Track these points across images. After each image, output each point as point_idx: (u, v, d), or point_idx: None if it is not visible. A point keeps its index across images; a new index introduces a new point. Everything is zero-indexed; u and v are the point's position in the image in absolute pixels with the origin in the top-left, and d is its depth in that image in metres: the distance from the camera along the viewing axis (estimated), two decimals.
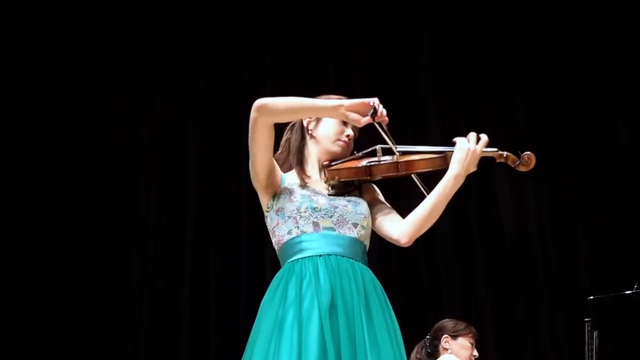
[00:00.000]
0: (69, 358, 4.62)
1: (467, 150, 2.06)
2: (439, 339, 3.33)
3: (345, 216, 2.01)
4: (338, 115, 2.02)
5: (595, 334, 3.18)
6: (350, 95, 2.09)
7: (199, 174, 5.00)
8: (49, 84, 5.01)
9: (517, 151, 2.16)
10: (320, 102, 2.03)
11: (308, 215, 2.00)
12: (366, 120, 1.98)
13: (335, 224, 1.99)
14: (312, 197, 2.03)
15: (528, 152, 2.15)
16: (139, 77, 5.09)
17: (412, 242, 2.07)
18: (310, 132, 2.16)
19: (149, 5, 5.20)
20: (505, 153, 2.14)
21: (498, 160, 2.14)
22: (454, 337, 3.31)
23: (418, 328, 4.56)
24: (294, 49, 4.98)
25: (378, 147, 2.11)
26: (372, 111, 1.97)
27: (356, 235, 2.01)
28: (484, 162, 2.14)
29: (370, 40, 5.02)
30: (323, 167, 2.12)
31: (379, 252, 4.72)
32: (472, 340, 3.33)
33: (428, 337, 3.40)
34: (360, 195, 2.13)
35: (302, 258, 1.96)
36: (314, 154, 2.15)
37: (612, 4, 4.78)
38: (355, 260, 1.98)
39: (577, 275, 4.50)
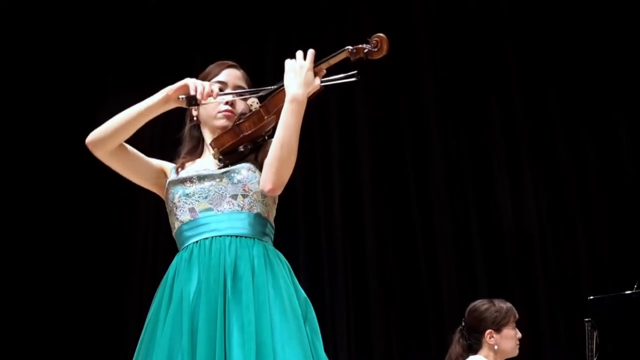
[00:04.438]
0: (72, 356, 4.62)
1: (294, 68, 1.94)
2: (481, 333, 3.11)
3: (221, 192, 1.94)
4: (169, 104, 1.98)
5: (595, 334, 3.18)
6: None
7: None
8: (50, 90, 4.99)
9: (366, 39, 1.98)
10: (147, 102, 1.97)
11: (182, 203, 1.96)
12: (190, 107, 1.98)
13: (211, 203, 1.93)
14: (186, 182, 1.98)
15: (377, 34, 1.95)
16: (139, 80, 5.09)
17: (279, 188, 1.91)
18: (196, 118, 2.13)
19: (149, 8, 5.20)
20: (350, 47, 1.97)
21: (353, 59, 1.97)
22: (498, 330, 3.10)
23: (418, 328, 4.58)
24: (293, 49, 4.98)
25: (249, 100, 2.03)
26: (185, 101, 1.92)
27: (237, 208, 1.93)
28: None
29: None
30: (210, 143, 2.06)
31: (378, 252, 4.75)
32: (514, 325, 3.13)
33: (464, 324, 3.18)
34: (255, 159, 2.02)
35: (183, 249, 1.95)
36: (208, 137, 2.10)
37: (612, 4, 4.78)
38: (238, 235, 1.90)
39: (577, 275, 4.50)
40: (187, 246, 1.94)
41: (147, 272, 4.79)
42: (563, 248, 4.61)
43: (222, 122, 2.05)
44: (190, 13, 5.18)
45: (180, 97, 1.93)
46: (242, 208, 1.94)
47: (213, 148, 2.03)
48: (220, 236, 1.90)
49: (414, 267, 4.68)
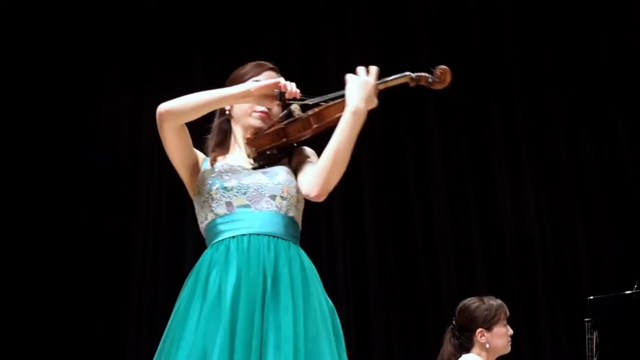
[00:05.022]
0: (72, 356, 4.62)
1: (359, 82, 1.95)
2: (472, 332, 3.07)
3: (260, 190, 1.95)
4: (247, 101, 2.02)
5: (595, 334, 3.18)
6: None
7: None
8: (50, 89, 4.98)
9: (429, 69, 2.00)
10: (226, 91, 2.00)
11: (220, 196, 1.95)
12: (276, 104, 2.02)
13: (250, 200, 1.94)
14: (224, 175, 1.98)
15: (441, 66, 1.98)
16: (140, 78, 5.09)
17: (324, 195, 1.94)
18: (227, 113, 2.14)
19: (149, 8, 5.20)
20: (414, 74, 1.98)
21: (412, 85, 1.99)
22: (489, 328, 3.06)
23: (418, 328, 4.58)
24: (293, 50, 4.98)
25: (293, 106, 2.03)
26: (278, 96, 1.98)
27: (275, 209, 1.94)
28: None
29: (371, 41, 5.02)
30: (245, 142, 2.08)
31: (378, 252, 4.75)
32: (505, 322, 3.09)
33: (455, 323, 3.14)
34: (289, 163, 2.05)
35: (217, 242, 1.93)
36: (238, 133, 2.11)
37: (612, 4, 4.79)
38: (275, 236, 1.92)
39: (577, 275, 4.50)
40: (223, 240, 1.92)
41: (147, 272, 4.79)
42: (563, 248, 4.61)
43: (257, 123, 2.07)
44: (190, 13, 5.17)
45: (276, 91, 1.99)
46: (279, 209, 1.95)
47: (250, 147, 2.04)
48: (257, 234, 1.91)
49: (414, 267, 4.68)
